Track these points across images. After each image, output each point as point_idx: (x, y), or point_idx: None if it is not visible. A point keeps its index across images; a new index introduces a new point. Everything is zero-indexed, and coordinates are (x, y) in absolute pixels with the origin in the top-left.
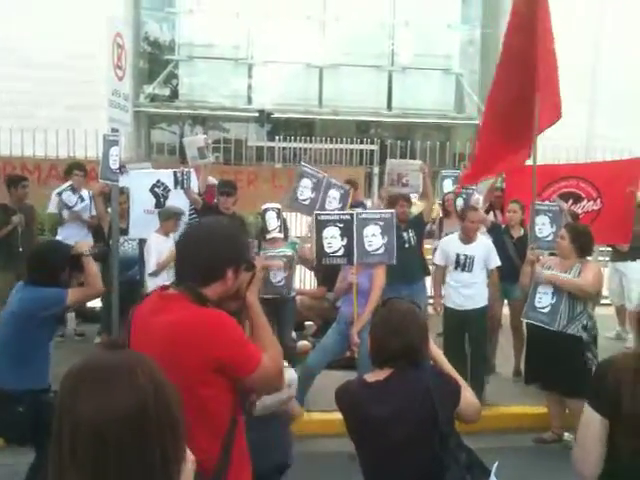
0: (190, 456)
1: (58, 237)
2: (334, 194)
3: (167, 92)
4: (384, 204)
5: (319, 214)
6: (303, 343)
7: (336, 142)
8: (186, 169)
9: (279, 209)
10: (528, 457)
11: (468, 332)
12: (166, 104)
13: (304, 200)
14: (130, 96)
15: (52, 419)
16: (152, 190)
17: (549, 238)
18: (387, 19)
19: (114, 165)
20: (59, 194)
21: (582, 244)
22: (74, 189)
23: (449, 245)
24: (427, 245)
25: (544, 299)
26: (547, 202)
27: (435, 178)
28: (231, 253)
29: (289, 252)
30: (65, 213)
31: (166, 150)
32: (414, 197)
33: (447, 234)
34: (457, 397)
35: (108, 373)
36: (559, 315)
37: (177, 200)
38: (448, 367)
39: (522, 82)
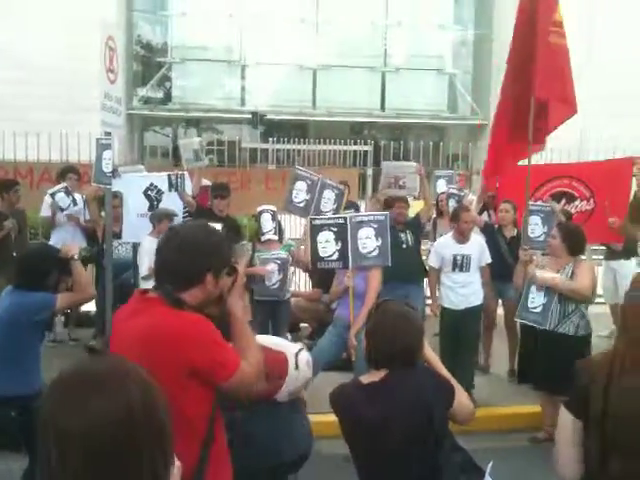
0: (176, 461)
1: (51, 241)
2: (329, 195)
3: (160, 95)
4: (381, 206)
5: (313, 218)
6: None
7: (329, 143)
8: (180, 172)
9: (274, 211)
10: (523, 457)
11: (462, 331)
12: (159, 107)
13: (299, 202)
14: (123, 99)
15: None
16: (145, 193)
17: (541, 238)
18: (380, 20)
19: (107, 169)
20: (52, 195)
21: (573, 243)
22: (68, 191)
23: (444, 248)
24: (422, 246)
25: (536, 299)
26: (540, 202)
27: (429, 178)
28: (210, 258)
29: (283, 254)
30: (60, 215)
31: (159, 153)
32: (410, 198)
33: (441, 234)
34: (451, 398)
35: (94, 379)
36: (550, 314)
37: (170, 203)
38: (442, 368)
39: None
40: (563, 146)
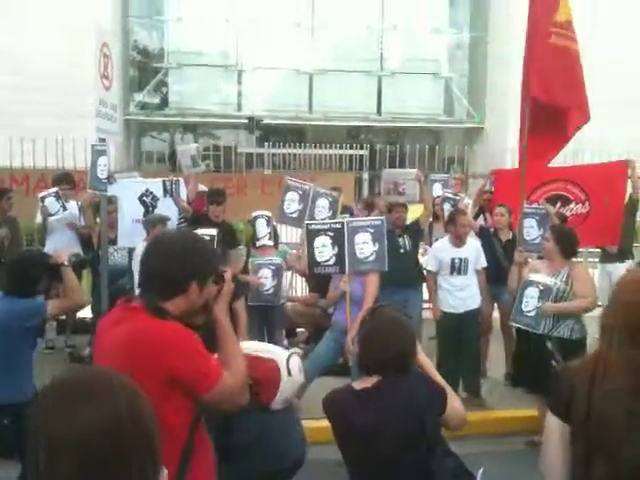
0: (164, 470)
1: (46, 247)
2: (322, 203)
3: (157, 100)
4: (378, 212)
5: (310, 223)
6: (294, 350)
7: (325, 147)
8: (175, 178)
9: (269, 217)
10: (520, 460)
11: (463, 334)
12: (156, 112)
13: (292, 213)
14: (120, 105)
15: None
16: (141, 199)
17: (537, 241)
18: (375, 24)
19: (102, 175)
20: (42, 199)
21: (566, 245)
22: (58, 196)
23: (441, 251)
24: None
25: (530, 303)
26: (535, 205)
27: (425, 182)
28: (194, 266)
29: (277, 260)
30: (51, 220)
31: (155, 158)
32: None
33: (437, 238)
34: (444, 404)
35: (81, 388)
36: (545, 318)
37: (166, 209)
38: (435, 374)
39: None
40: None
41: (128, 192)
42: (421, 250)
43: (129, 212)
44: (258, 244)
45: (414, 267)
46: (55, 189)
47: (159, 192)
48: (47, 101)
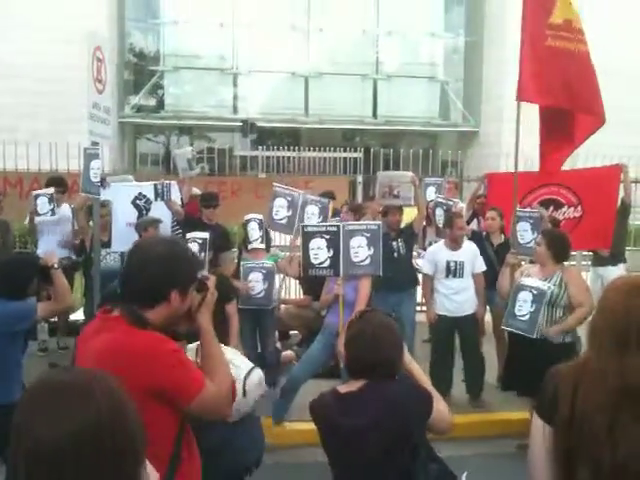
0: (155, 473)
1: (38, 250)
2: (312, 210)
3: (153, 103)
4: (370, 216)
5: (306, 226)
6: (288, 353)
7: (320, 150)
8: (166, 181)
9: (261, 220)
10: (512, 463)
11: (462, 337)
12: (152, 115)
13: (280, 220)
14: (113, 109)
15: None
16: (134, 203)
17: (531, 244)
18: (371, 28)
19: (95, 178)
20: (36, 197)
21: (558, 250)
22: (52, 199)
23: (437, 254)
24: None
25: (524, 307)
26: (528, 209)
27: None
28: (175, 274)
29: (269, 264)
30: (37, 220)
31: (150, 161)
32: None
33: (430, 242)
34: (429, 408)
35: (61, 390)
36: (538, 323)
37: (159, 212)
38: (422, 378)
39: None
40: None
41: (121, 196)
42: (414, 253)
43: (123, 216)
44: (250, 247)
45: (408, 270)
46: (52, 190)
47: (152, 195)
48: (41, 104)
